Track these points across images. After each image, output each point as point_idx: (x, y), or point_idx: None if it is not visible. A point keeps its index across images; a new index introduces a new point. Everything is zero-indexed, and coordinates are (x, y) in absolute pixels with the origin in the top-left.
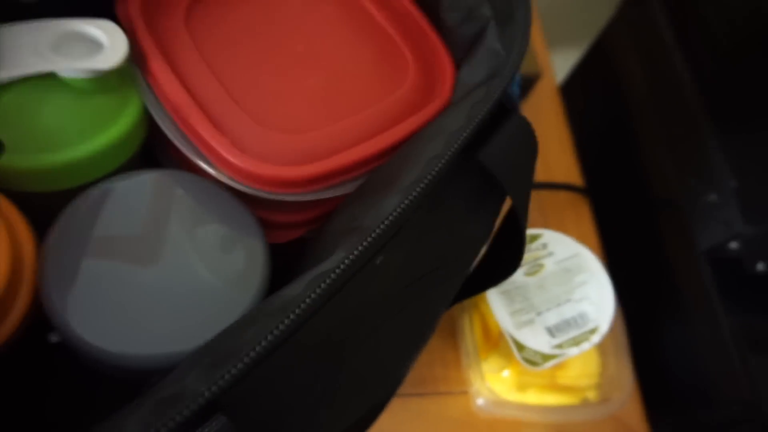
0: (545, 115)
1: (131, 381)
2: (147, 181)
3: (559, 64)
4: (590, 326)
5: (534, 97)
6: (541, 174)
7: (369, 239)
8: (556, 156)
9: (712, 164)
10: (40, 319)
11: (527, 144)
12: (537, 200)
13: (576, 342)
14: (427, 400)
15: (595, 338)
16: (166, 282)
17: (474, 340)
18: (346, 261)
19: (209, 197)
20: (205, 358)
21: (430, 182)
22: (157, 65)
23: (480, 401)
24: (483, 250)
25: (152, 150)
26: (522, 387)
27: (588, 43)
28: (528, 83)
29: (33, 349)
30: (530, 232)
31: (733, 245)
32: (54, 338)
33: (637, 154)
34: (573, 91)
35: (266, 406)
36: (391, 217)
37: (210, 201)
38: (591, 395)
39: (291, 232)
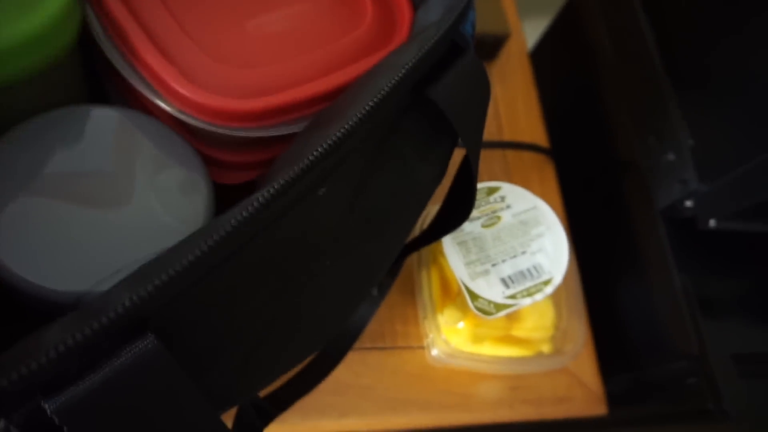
0: (514, 77)
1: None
2: (87, 114)
3: (529, 31)
4: (544, 277)
5: (503, 58)
6: (507, 134)
7: (304, 162)
8: (523, 117)
9: (671, 123)
10: None
11: (479, 83)
12: (502, 159)
13: (529, 293)
14: (386, 354)
15: (549, 289)
16: (103, 217)
17: (431, 293)
18: (280, 182)
19: (150, 132)
20: (131, 277)
21: (372, 108)
22: None
23: (435, 352)
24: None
25: (102, 87)
26: (477, 339)
27: (557, 9)
28: (497, 43)
29: None
30: (489, 184)
31: (689, 203)
32: None
33: (602, 117)
34: (542, 57)
35: (202, 331)
36: (329, 141)
37: (151, 136)
38: (545, 348)
39: (242, 173)
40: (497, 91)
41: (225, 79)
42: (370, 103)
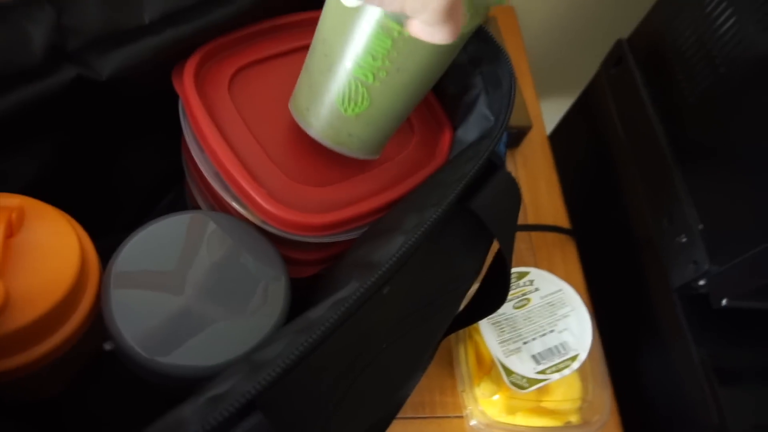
0: (536, 163)
1: (167, 388)
2: (190, 219)
3: (548, 114)
4: (571, 354)
5: (525, 146)
6: (531, 217)
7: (379, 272)
8: (546, 200)
9: (682, 208)
10: (96, 329)
11: (512, 195)
12: (528, 241)
13: (558, 368)
14: (426, 423)
15: (575, 365)
16: (205, 306)
17: (468, 367)
18: (361, 289)
19: (242, 236)
20: (245, 366)
21: (429, 226)
22: (207, 127)
23: (473, 422)
24: (475, 287)
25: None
26: (511, 410)
27: (576, 94)
28: (520, 134)
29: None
30: (518, 269)
31: (702, 282)
32: (108, 346)
33: (619, 198)
34: (561, 139)
35: (293, 409)
36: (397, 254)
37: (243, 239)
38: (573, 418)
39: (308, 268)
40: (521, 174)
41: (302, 197)
42: (428, 222)
